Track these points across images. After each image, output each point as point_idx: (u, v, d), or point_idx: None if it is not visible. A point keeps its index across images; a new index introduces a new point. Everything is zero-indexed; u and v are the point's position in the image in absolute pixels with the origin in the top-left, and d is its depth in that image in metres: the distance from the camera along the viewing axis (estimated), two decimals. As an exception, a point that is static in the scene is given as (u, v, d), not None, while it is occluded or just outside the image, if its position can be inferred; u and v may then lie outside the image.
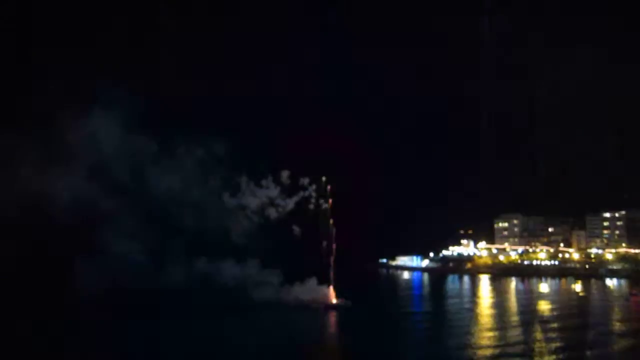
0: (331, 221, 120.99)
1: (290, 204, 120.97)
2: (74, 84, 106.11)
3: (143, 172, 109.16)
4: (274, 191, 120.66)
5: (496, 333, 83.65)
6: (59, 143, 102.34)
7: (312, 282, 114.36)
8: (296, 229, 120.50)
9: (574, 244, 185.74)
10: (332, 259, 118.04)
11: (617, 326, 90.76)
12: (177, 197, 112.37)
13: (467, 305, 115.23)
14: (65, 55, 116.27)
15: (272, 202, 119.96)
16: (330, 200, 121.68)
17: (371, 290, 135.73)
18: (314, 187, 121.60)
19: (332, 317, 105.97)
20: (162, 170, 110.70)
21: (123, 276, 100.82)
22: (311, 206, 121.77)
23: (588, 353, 69.75)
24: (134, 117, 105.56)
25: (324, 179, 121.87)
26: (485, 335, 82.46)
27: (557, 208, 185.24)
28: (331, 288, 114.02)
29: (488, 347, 72.88)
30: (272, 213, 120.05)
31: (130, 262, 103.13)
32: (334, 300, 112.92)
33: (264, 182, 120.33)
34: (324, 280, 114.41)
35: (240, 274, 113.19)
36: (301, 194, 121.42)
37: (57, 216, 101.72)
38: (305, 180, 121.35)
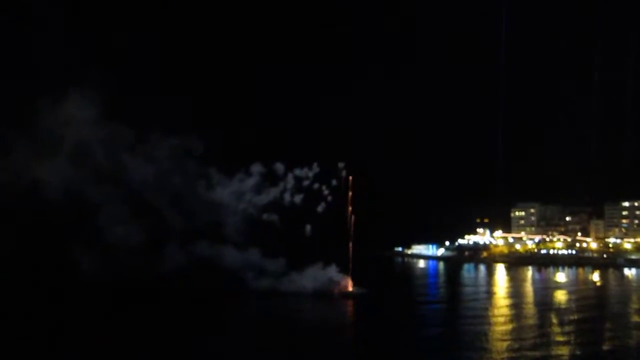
0: (349, 209, 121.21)
1: (306, 190, 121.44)
2: (54, 69, 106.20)
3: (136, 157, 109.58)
4: (289, 178, 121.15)
5: (512, 323, 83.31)
6: (42, 131, 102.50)
7: (329, 269, 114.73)
8: (313, 216, 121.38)
9: (592, 233, 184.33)
10: (349, 246, 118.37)
11: (636, 317, 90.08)
12: (181, 181, 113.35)
13: (482, 295, 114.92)
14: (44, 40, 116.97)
15: (287, 188, 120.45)
16: (350, 186, 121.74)
17: (387, 279, 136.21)
18: (331, 173, 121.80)
19: (348, 305, 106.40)
20: (161, 154, 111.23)
21: (121, 262, 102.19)
22: (328, 193, 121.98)
23: (606, 345, 68.91)
24: (116, 102, 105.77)
25: (341, 165, 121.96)
26: (500, 325, 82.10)
27: (575, 197, 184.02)
28: (347, 276, 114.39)
29: (503, 339, 72.44)
30: (287, 199, 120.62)
31: (127, 247, 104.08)
32: (350, 288, 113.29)
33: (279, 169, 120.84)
34: (340, 268, 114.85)
35: (251, 262, 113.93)
36: (317, 180, 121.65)
37: (48, 205, 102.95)
38: (322, 167, 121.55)
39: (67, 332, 76.56)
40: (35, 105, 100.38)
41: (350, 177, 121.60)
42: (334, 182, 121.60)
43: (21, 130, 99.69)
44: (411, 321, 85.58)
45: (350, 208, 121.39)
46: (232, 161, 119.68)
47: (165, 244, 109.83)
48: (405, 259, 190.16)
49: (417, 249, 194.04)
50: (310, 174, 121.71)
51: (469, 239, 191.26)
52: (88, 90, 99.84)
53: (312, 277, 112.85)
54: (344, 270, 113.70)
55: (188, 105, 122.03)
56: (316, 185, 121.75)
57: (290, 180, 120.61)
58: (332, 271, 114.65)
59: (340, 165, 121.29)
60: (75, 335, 75.08)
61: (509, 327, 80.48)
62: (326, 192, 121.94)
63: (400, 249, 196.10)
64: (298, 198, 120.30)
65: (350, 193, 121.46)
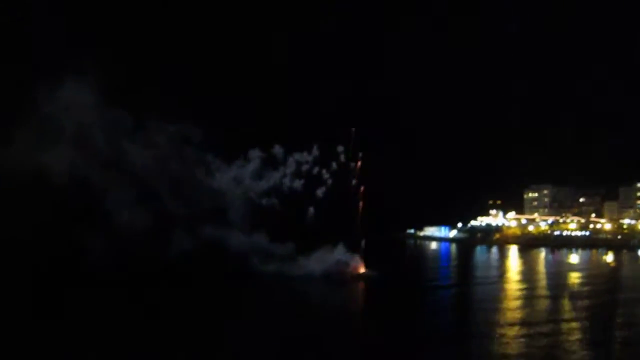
0: (359, 190, 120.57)
1: (317, 171, 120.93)
2: (56, 55, 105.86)
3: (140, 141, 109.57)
4: (302, 158, 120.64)
5: (525, 307, 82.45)
6: (43, 117, 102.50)
7: (338, 252, 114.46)
8: (322, 198, 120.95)
9: (606, 214, 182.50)
10: (359, 228, 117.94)
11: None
12: (181, 168, 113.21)
13: (495, 277, 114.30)
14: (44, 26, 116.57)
15: (300, 170, 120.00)
16: (359, 168, 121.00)
17: (398, 261, 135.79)
18: (342, 155, 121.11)
19: (359, 288, 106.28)
20: (167, 138, 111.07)
21: (128, 246, 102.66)
22: (335, 175, 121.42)
23: (621, 329, 67.86)
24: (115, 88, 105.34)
25: (340, 149, 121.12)
26: (513, 310, 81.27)
27: (589, 178, 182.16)
28: (358, 258, 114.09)
29: (516, 324, 71.52)
30: (291, 182, 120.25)
31: (134, 231, 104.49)
32: (361, 271, 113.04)
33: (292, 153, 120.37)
34: (350, 250, 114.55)
35: (258, 246, 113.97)
36: (329, 162, 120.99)
37: (55, 191, 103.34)
38: (333, 148, 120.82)
39: (81, 319, 77.32)
40: (36, 90, 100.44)
41: (359, 160, 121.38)
42: (342, 164, 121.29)
43: (22, 116, 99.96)
44: (423, 305, 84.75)
45: (360, 190, 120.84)
46: (231, 147, 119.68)
47: (170, 228, 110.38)
48: (417, 241, 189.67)
49: (429, 230, 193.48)
50: (311, 157, 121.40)
51: (481, 221, 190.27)
52: (87, 76, 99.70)
53: (320, 259, 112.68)
54: (354, 252, 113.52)
55: (186, 91, 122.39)
56: (321, 168, 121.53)
57: (292, 164, 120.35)
58: (341, 253, 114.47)
59: (340, 148, 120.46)
60: (86, 322, 75.76)
61: (522, 311, 79.78)
62: (331, 174, 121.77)
63: (412, 231, 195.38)
64: (303, 181, 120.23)
65: (359, 174, 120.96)
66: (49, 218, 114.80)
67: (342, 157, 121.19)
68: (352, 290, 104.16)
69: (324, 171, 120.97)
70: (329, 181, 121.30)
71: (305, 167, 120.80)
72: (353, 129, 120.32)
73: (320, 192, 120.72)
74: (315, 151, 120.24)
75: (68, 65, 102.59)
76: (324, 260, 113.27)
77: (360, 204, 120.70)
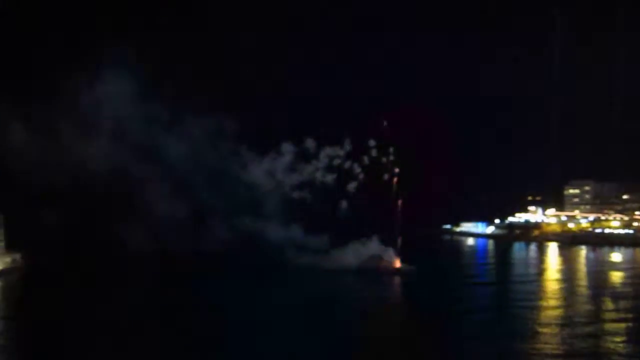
0: (397, 185, 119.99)
1: (357, 168, 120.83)
2: (95, 54, 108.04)
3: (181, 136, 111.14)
4: (334, 152, 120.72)
5: (564, 307, 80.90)
6: (84, 110, 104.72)
7: (374, 245, 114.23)
8: (360, 194, 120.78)
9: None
10: (397, 223, 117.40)
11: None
12: (217, 160, 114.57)
13: (533, 275, 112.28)
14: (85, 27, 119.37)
15: (339, 166, 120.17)
16: (397, 162, 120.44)
17: (435, 256, 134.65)
18: (381, 151, 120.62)
19: (396, 282, 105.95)
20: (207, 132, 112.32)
21: (167, 238, 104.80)
22: (377, 170, 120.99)
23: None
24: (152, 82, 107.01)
25: (372, 143, 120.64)
26: (552, 309, 79.78)
27: (633, 174, 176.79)
28: (393, 252, 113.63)
29: (554, 323, 70.24)
30: (336, 177, 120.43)
31: (173, 223, 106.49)
32: (398, 265, 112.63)
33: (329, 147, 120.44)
34: (386, 245, 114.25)
35: (296, 238, 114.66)
36: (367, 158, 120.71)
37: (95, 182, 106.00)
38: (372, 144, 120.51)
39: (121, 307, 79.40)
40: (76, 83, 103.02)
41: (394, 155, 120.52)
42: (375, 158, 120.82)
43: (64, 109, 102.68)
44: (459, 303, 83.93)
45: (397, 185, 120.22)
46: (264, 140, 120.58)
47: (206, 219, 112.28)
48: (454, 237, 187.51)
49: (466, 226, 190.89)
50: (342, 151, 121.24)
51: (519, 217, 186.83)
52: (126, 70, 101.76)
53: (355, 253, 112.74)
54: (389, 246, 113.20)
55: (221, 86, 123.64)
56: (354, 162, 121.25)
57: (325, 157, 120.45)
58: (376, 247, 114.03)
59: (371, 143, 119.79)
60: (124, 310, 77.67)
61: (561, 311, 78.33)
62: (364, 168, 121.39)
63: (448, 226, 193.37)
64: (336, 174, 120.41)
65: (395, 170, 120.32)
66: (91, 207, 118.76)
67: (374, 152, 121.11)
68: (387, 285, 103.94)
69: (355, 165, 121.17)
70: (361, 175, 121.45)
71: (337, 161, 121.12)
72: (385, 123, 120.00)
73: (353, 186, 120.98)
74: (347, 145, 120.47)
75: (107, 58, 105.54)
76: (359, 253, 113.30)
77: (397, 199, 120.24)
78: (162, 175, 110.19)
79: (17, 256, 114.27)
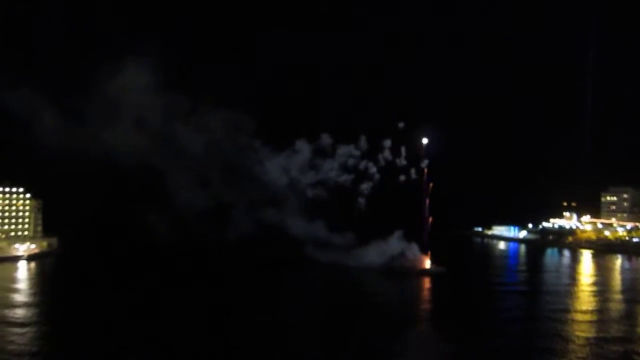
0: (428, 186, 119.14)
1: (387, 167, 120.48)
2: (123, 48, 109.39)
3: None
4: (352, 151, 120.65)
5: (596, 318, 78.47)
6: (108, 100, 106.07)
7: (399, 243, 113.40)
8: (390, 194, 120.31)
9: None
10: (428, 225, 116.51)
11: None
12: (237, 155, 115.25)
13: (565, 283, 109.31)
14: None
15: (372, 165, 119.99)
16: (426, 167, 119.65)
17: (465, 259, 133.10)
18: (412, 151, 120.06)
19: (426, 283, 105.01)
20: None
21: (192, 228, 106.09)
22: (407, 171, 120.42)
23: None
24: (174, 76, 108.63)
25: (424, 141, 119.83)
26: (583, 320, 77.26)
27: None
28: (417, 249, 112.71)
29: (584, 337, 67.95)
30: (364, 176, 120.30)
31: (198, 213, 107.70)
32: (427, 266, 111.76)
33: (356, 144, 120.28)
34: (415, 245, 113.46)
35: (319, 234, 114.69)
36: (398, 159, 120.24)
37: (124, 170, 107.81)
38: (403, 146, 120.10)
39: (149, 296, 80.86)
40: (99, 74, 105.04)
41: (423, 151, 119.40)
42: (416, 160, 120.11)
43: (89, 98, 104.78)
44: (489, 310, 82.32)
45: (429, 186, 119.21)
46: (280, 136, 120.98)
47: (227, 212, 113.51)
48: (485, 240, 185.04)
49: (498, 230, 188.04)
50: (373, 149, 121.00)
51: (553, 223, 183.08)
52: (150, 60, 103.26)
53: (380, 251, 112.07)
54: (412, 243, 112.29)
55: (240, 82, 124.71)
56: (397, 161, 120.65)
57: (343, 156, 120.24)
58: (400, 244, 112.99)
59: (387, 143, 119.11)
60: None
61: (593, 323, 75.85)
62: (385, 167, 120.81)
63: (479, 229, 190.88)
64: (375, 169, 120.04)
65: (425, 169, 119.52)
66: (116, 196, 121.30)
67: (389, 152, 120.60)
68: (417, 286, 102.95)
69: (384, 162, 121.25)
70: (383, 174, 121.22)
71: (377, 159, 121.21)
72: (401, 125, 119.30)
73: (373, 185, 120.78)
74: (364, 143, 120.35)
75: (135, 50, 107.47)
76: (383, 251, 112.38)
77: (427, 200, 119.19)
78: (191, 168, 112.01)
79: (54, 240, 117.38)
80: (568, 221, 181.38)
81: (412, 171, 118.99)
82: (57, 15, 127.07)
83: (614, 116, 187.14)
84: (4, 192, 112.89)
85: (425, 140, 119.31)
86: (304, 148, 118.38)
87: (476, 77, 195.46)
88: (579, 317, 78.73)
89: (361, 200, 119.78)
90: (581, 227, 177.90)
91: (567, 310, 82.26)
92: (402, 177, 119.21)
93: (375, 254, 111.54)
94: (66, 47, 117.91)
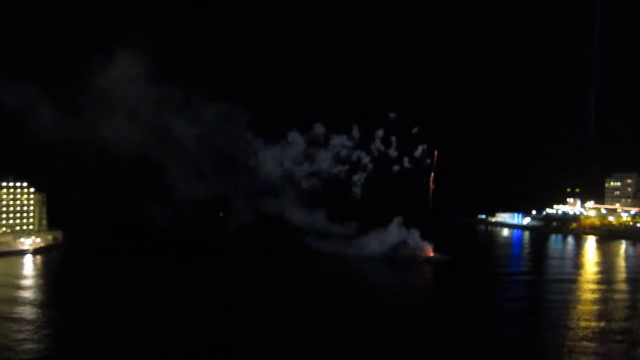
0: (431, 174, 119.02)
1: (394, 155, 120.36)
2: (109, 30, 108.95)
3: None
4: (377, 142, 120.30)
5: (600, 308, 78.30)
6: (104, 91, 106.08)
7: (400, 232, 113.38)
8: (392, 181, 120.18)
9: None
10: (429, 212, 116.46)
11: None
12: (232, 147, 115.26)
13: (570, 270, 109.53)
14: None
15: (379, 153, 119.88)
16: (432, 151, 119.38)
17: (469, 247, 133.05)
18: (417, 138, 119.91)
19: (430, 272, 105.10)
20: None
21: (191, 216, 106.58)
22: (414, 158, 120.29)
23: None
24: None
25: (379, 134, 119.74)
26: (587, 310, 77.29)
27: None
28: (419, 237, 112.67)
29: (589, 327, 67.99)
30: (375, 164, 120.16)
31: (197, 205, 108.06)
32: (430, 254, 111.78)
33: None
34: (417, 233, 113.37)
35: (319, 223, 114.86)
36: (404, 146, 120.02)
37: (122, 163, 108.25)
38: (410, 130, 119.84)
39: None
40: (94, 65, 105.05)
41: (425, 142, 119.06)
42: (417, 148, 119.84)
43: (86, 90, 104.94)
44: (493, 299, 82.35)
45: (432, 174, 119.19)
46: (275, 127, 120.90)
47: (230, 202, 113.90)
48: (489, 227, 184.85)
49: (502, 217, 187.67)
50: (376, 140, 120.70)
51: (557, 209, 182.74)
52: (145, 52, 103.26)
53: (381, 240, 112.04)
54: (425, 236, 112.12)
55: (236, 75, 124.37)
56: (395, 150, 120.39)
57: (336, 147, 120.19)
58: (400, 232, 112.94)
59: (379, 134, 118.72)
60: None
61: (597, 308, 76.44)
62: (405, 157, 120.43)
63: (483, 216, 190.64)
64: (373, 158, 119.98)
65: (429, 158, 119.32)
66: (116, 188, 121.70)
67: (380, 143, 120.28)
68: (421, 275, 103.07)
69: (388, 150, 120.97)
70: (376, 165, 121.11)
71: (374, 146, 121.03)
72: (393, 115, 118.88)
73: (367, 176, 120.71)
74: (357, 133, 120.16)
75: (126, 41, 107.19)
76: (384, 240, 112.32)
77: (431, 187, 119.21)
78: (190, 159, 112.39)
79: (59, 234, 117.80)
80: (572, 207, 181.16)
81: (406, 160, 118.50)
82: (54, 10, 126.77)
83: (618, 102, 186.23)
84: (8, 187, 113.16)
85: (415, 130, 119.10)
86: (297, 139, 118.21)
87: (480, 66, 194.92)
88: (584, 308, 78.86)
89: (356, 191, 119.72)
90: (585, 214, 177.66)
91: (570, 295, 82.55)
92: (396, 167, 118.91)
93: (376, 243, 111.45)
94: (63, 40, 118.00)
